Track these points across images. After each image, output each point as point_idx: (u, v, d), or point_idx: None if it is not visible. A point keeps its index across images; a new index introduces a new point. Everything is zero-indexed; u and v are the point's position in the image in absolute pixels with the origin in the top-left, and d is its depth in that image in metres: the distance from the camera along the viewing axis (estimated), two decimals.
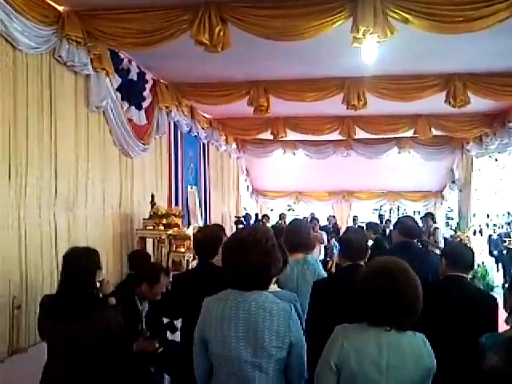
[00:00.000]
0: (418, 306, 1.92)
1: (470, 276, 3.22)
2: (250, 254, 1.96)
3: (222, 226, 4.39)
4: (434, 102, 7.83)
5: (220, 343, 1.95)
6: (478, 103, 7.84)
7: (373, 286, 1.93)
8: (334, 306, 2.54)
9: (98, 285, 2.93)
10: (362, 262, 3.02)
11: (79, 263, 2.79)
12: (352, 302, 1.98)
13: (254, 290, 1.98)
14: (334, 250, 9.11)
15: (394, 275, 1.91)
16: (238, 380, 1.94)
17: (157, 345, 3.44)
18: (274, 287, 3.02)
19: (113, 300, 3.02)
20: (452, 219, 13.88)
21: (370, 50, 5.35)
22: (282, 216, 12.94)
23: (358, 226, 11.56)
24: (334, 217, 13.64)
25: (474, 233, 12.45)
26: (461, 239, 11.19)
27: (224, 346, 1.94)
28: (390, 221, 12.93)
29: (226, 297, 2.02)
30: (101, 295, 3.01)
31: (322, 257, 8.84)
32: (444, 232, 12.84)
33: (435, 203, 15.27)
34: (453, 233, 12.70)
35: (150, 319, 3.62)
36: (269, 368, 1.93)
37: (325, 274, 3.76)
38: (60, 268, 4.85)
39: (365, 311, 1.96)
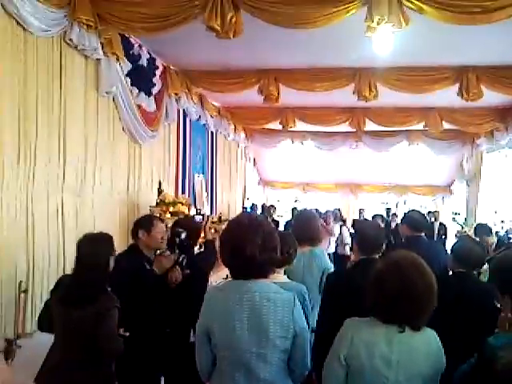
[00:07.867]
0: (431, 305, 1.88)
1: (475, 272, 3.16)
2: (256, 235, 1.92)
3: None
4: (446, 95, 7.74)
5: (224, 334, 1.92)
6: (490, 97, 7.73)
7: (387, 286, 1.88)
8: (347, 300, 2.49)
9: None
10: (377, 256, 2.90)
11: (88, 250, 2.75)
12: (365, 299, 1.94)
13: (257, 279, 1.95)
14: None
15: (409, 276, 1.87)
16: (241, 370, 1.92)
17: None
18: (284, 278, 2.99)
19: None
20: (458, 214, 13.72)
21: (384, 41, 5.27)
22: (294, 210, 12.25)
23: (364, 219, 11.41)
24: (339, 210, 13.36)
25: None
26: (467, 235, 11.08)
27: (228, 337, 1.91)
28: (396, 215, 12.72)
29: (228, 288, 1.99)
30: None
31: (332, 249, 8.69)
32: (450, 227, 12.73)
33: (443, 198, 15.15)
34: (459, 228, 12.57)
35: None
36: (273, 358, 1.91)
37: (331, 266, 3.72)
38: (66, 253, 4.93)
39: (377, 310, 1.92)
